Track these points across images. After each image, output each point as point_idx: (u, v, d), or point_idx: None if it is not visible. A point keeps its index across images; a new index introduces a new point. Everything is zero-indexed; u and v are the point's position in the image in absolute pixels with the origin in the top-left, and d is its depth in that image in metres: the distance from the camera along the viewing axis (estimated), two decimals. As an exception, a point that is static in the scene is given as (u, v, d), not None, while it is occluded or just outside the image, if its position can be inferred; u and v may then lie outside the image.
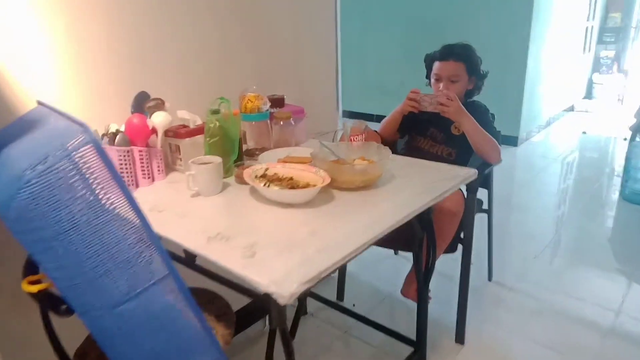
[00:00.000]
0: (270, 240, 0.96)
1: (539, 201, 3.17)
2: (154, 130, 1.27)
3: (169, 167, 1.38)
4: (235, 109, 1.35)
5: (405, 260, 2.27)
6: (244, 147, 1.49)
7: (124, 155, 1.20)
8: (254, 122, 1.46)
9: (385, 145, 1.93)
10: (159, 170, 1.30)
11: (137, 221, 0.68)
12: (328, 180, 1.12)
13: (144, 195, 1.22)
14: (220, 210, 1.14)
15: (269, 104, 1.49)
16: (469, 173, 1.31)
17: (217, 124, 1.26)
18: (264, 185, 1.15)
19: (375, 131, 1.86)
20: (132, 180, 1.23)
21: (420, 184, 1.23)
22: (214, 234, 0.98)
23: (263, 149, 1.50)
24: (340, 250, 0.90)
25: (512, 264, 2.29)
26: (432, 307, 1.57)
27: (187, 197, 1.18)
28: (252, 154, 1.47)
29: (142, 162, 1.25)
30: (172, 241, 0.96)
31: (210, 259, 0.90)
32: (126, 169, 1.21)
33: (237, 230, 1.01)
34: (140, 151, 1.24)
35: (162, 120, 1.27)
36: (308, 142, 1.65)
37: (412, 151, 1.83)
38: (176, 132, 1.32)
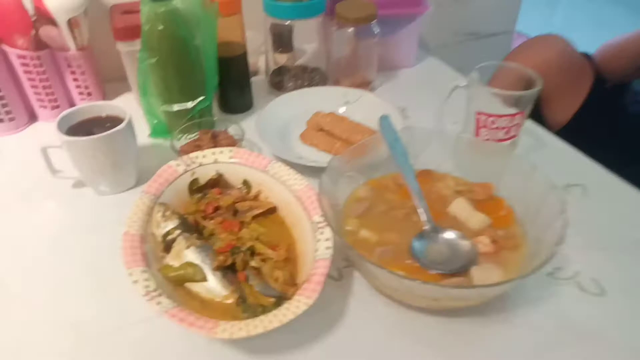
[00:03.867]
0: None
1: None
2: (45, 15, 0.60)
3: (126, 80, 0.73)
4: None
5: None
6: (273, 58, 0.73)
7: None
8: (287, 22, 0.67)
9: (603, 82, 0.93)
10: (81, 92, 0.67)
11: None
12: (313, 297, 0.35)
13: (17, 145, 0.63)
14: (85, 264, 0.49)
15: (332, -19, 0.65)
16: None
17: (160, 24, 0.53)
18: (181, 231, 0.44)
19: (586, 54, 0.87)
20: (16, 111, 0.64)
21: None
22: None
23: (315, 72, 0.73)
24: None
25: None
26: None
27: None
28: (280, 85, 0.72)
29: (32, 77, 0.63)
30: None
31: None
32: (-11, 90, 0.61)
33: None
34: (22, 57, 0.61)
35: (63, -6, 0.58)
36: (427, 63, 0.81)
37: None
38: (113, 24, 0.63)
